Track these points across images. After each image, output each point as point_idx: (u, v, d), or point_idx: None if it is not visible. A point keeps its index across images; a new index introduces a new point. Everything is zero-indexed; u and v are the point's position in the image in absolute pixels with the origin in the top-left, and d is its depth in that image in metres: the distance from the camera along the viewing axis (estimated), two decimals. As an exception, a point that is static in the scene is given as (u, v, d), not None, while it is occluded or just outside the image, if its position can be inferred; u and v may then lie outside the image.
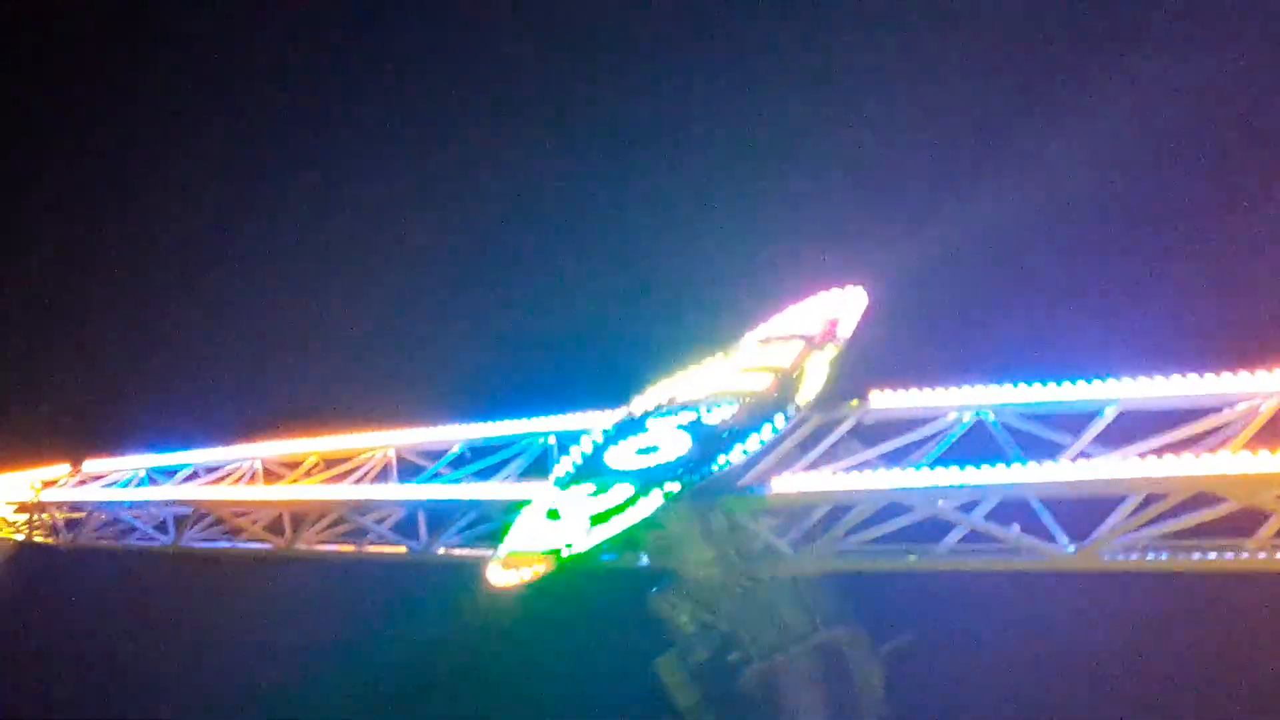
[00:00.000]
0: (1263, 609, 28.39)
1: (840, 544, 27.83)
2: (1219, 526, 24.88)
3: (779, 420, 28.21)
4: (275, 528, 35.73)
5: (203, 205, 43.57)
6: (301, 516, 35.15)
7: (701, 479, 27.83)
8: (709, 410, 29.11)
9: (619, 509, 28.03)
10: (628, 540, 29.13)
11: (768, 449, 28.21)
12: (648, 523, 28.18)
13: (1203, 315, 29.78)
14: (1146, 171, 31.82)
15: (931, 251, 30.40)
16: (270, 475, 36.36)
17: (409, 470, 34.30)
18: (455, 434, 33.93)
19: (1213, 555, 25.00)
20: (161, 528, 37.83)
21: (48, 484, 40.28)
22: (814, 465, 28.29)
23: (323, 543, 35.11)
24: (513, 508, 29.99)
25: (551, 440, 32.24)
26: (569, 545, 28.21)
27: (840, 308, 29.93)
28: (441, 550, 33.04)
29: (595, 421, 31.00)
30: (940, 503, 26.55)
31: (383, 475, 34.51)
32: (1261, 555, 24.69)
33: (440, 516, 33.06)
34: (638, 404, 30.43)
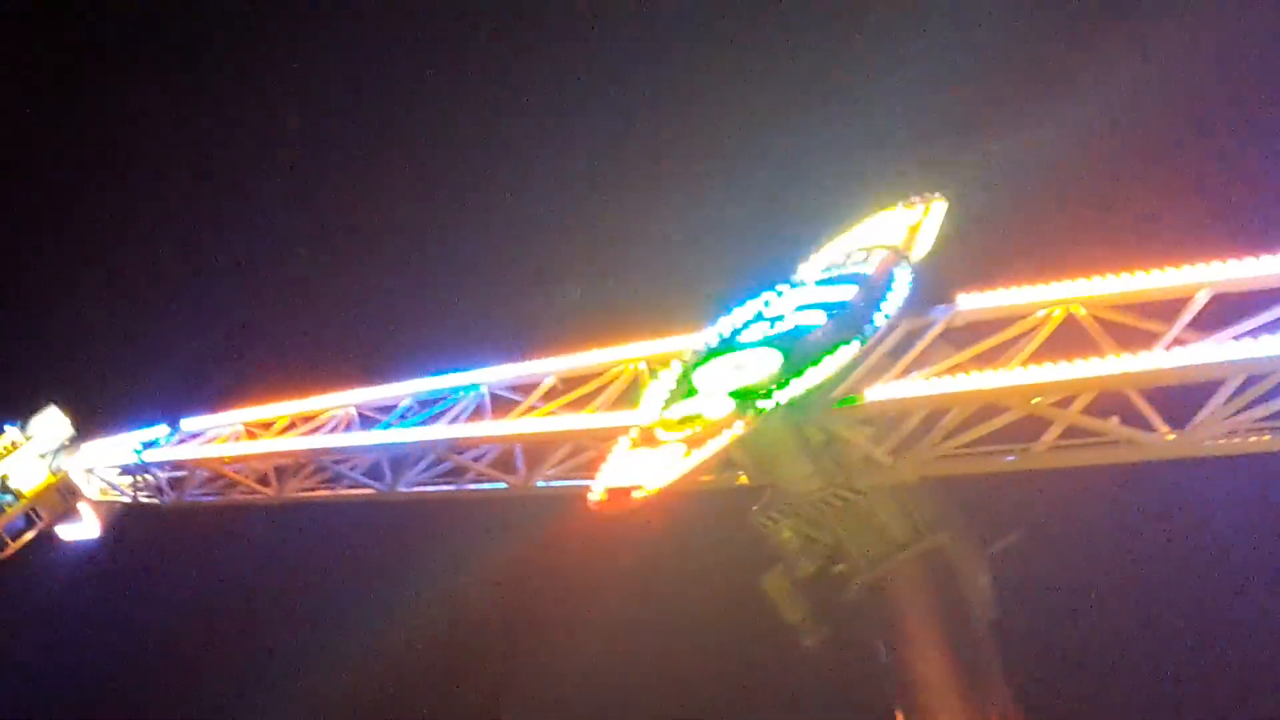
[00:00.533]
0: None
1: (938, 449, 27.74)
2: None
3: (868, 330, 28.16)
4: (376, 473, 35.95)
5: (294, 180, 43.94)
6: (401, 459, 35.33)
7: (794, 393, 27.69)
8: (797, 325, 29.09)
9: (714, 428, 27.94)
10: (725, 460, 29.19)
11: (859, 359, 28.12)
12: (743, 441, 28.13)
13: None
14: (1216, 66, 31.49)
15: (1008, 154, 30.17)
16: (366, 421, 36.56)
17: (502, 406, 34.32)
18: (544, 367, 34.00)
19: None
20: (263, 480, 38.11)
21: (149, 445, 40.59)
22: (906, 372, 28.20)
23: (424, 484, 35.22)
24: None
25: (641, 367, 32.29)
26: (668, 468, 28.13)
27: (922, 216, 29.86)
28: (540, 483, 33.10)
29: (684, 345, 31.01)
30: (1036, 400, 26.36)
31: (476, 413, 34.56)
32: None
33: (537, 450, 33.12)
34: (725, 324, 30.43)
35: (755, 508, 30.07)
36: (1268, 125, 31.09)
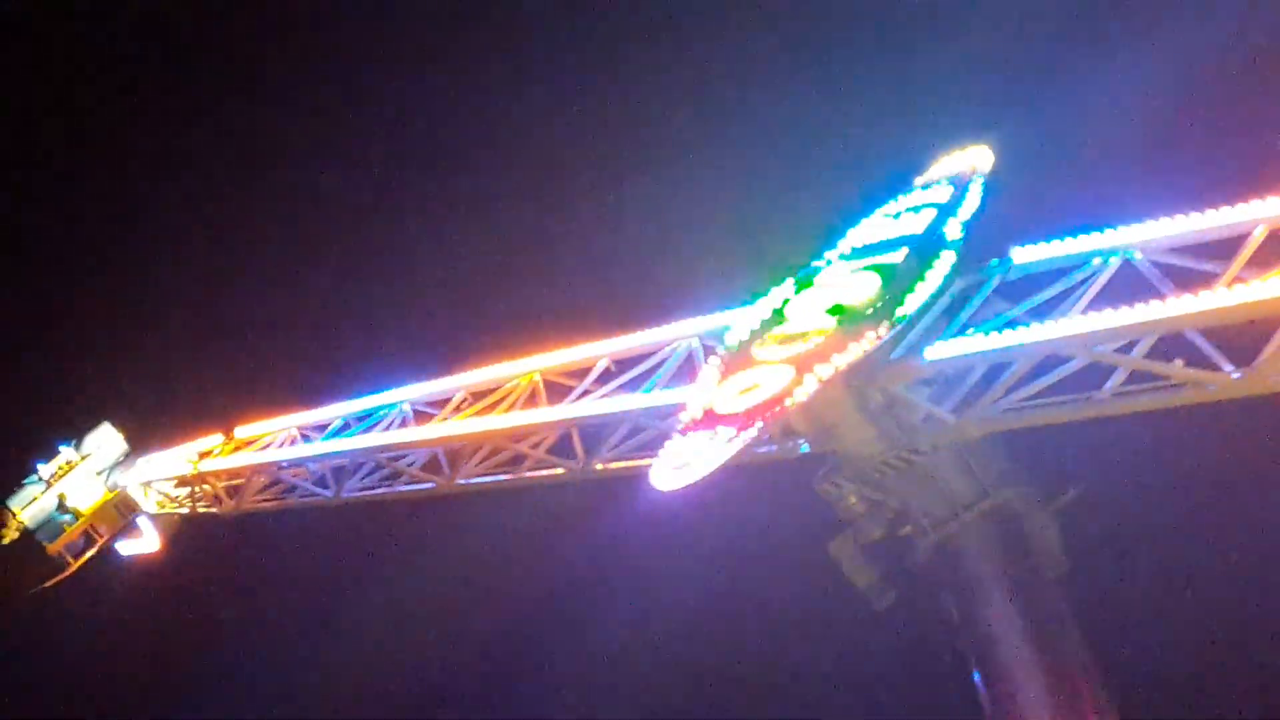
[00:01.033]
0: None
1: (1001, 403, 27.57)
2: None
3: (921, 289, 28.07)
4: (433, 467, 35.97)
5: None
6: (457, 452, 35.34)
7: (852, 357, 27.58)
8: (849, 290, 29.05)
9: (775, 396, 27.85)
10: (786, 429, 29.16)
11: (914, 319, 28.05)
12: (805, 409, 28.07)
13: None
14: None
15: (1053, 106, 30.08)
16: (421, 416, 36.57)
17: (557, 392, 34.31)
18: (599, 350, 33.91)
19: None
20: (321, 482, 38.20)
21: (204, 455, 40.74)
22: (963, 329, 28.13)
23: (481, 475, 35.21)
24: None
25: (695, 343, 32.25)
26: (729, 437, 28.00)
27: (967, 169, 29.83)
28: (599, 466, 33.07)
29: (737, 318, 30.99)
30: (1098, 348, 26.24)
31: (531, 400, 34.54)
32: None
33: (594, 433, 33.10)
34: (777, 294, 30.40)
35: (819, 475, 30.05)
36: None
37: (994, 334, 27.20)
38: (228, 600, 45.39)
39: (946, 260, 28.27)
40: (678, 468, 27.55)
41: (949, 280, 28.07)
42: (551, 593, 39.79)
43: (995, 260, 28.67)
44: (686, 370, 31.86)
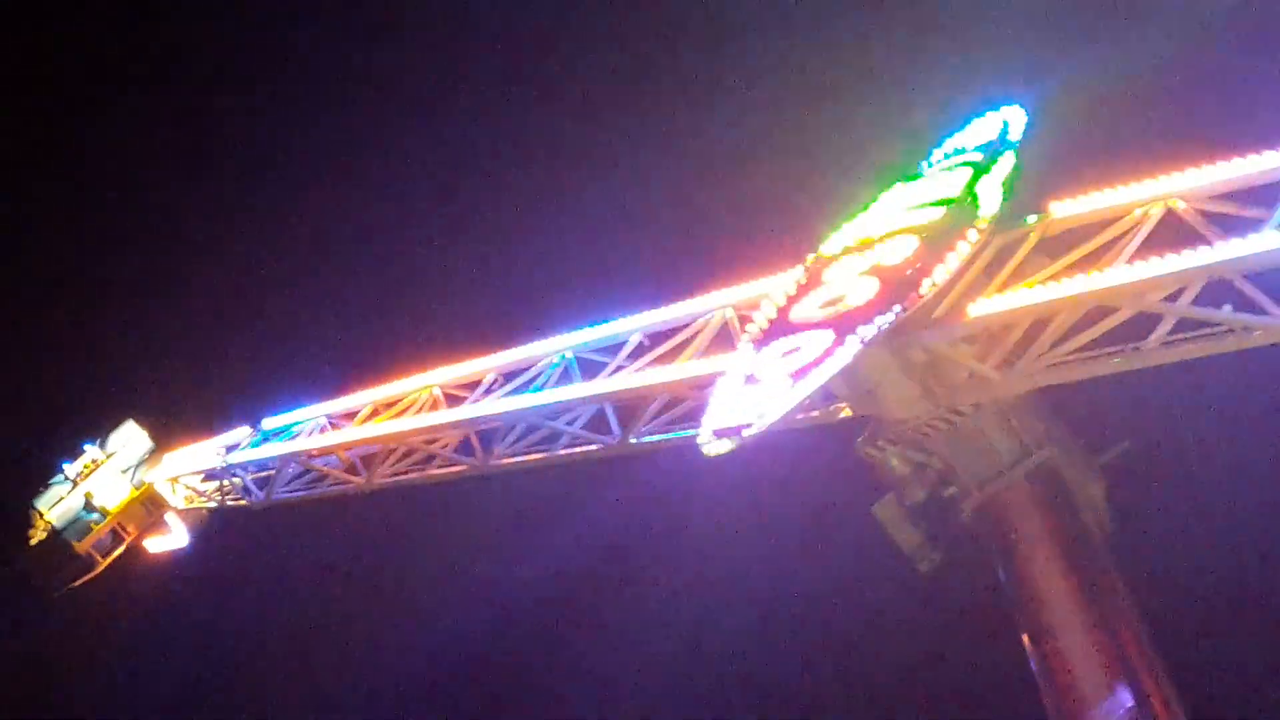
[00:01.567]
0: None
1: (1045, 358, 27.29)
2: None
3: (961, 248, 27.88)
4: (465, 450, 35.72)
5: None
6: (490, 433, 35.10)
7: (894, 319, 27.36)
8: (889, 251, 28.88)
9: (816, 361, 27.63)
10: (827, 392, 28.96)
11: (955, 278, 27.84)
12: (847, 371, 27.85)
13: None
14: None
15: (1089, 57, 29.93)
16: (451, 400, 36.33)
17: (589, 368, 34.08)
18: (630, 324, 33.67)
19: None
20: (352, 470, 37.91)
21: (232, 448, 40.52)
22: (1005, 286, 27.93)
23: (516, 455, 34.96)
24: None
25: (729, 312, 32.04)
26: (772, 404, 27.78)
27: (1002, 127, 29.70)
28: (635, 440, 32.83)
29: (771, 285, 30.78)
30: (1145, 297, 26.02)
31: (565, 377, 34.29)
32: None
33: (630, 408, 32.86)
34: (812, 258, 30.22)
35: (860, 439, 29.85)
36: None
37: (1038, 288, 27.01)
38: (256, 595, 44.96)
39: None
40: (729, 428, 27.28)
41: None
42: (602, 555, 39.48)
43: (1035, 215, 28.49)
44: (722, 342, 31.64)
